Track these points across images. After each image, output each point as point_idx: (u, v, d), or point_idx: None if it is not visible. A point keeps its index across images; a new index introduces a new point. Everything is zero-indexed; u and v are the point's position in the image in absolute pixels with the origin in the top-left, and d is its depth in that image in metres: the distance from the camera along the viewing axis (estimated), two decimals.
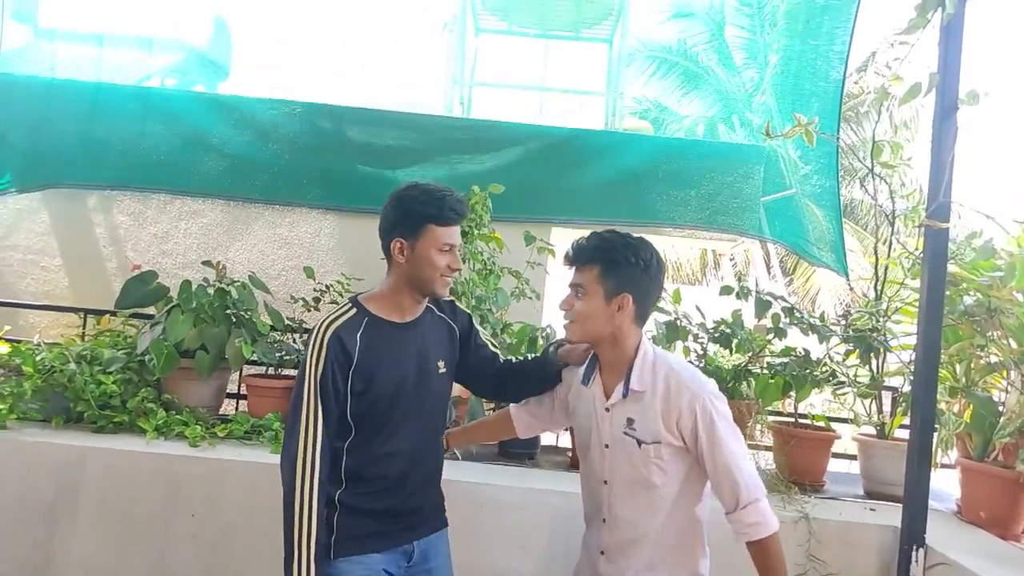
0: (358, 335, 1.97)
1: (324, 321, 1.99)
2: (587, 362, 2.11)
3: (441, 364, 2.13)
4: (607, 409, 2.01)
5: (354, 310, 2.02)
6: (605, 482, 2.02)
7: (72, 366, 3.23)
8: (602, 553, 2.04)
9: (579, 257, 1.99)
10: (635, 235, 2.00)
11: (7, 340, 3.57)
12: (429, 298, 2.12)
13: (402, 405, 2.01)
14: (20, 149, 4.64)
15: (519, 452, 3.33)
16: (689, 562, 2.00)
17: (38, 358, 3.27)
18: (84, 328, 3.99)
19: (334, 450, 1.97)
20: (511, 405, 2.38)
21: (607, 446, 2.01)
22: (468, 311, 2.32)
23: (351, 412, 1.97)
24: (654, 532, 1.96)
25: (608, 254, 1.95)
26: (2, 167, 4.62)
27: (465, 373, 2.28)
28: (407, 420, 2.03)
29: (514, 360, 2.36)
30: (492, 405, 3.40)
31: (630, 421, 1.96)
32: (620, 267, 1.93)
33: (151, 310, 3.87)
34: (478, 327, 2.31)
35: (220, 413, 3.56)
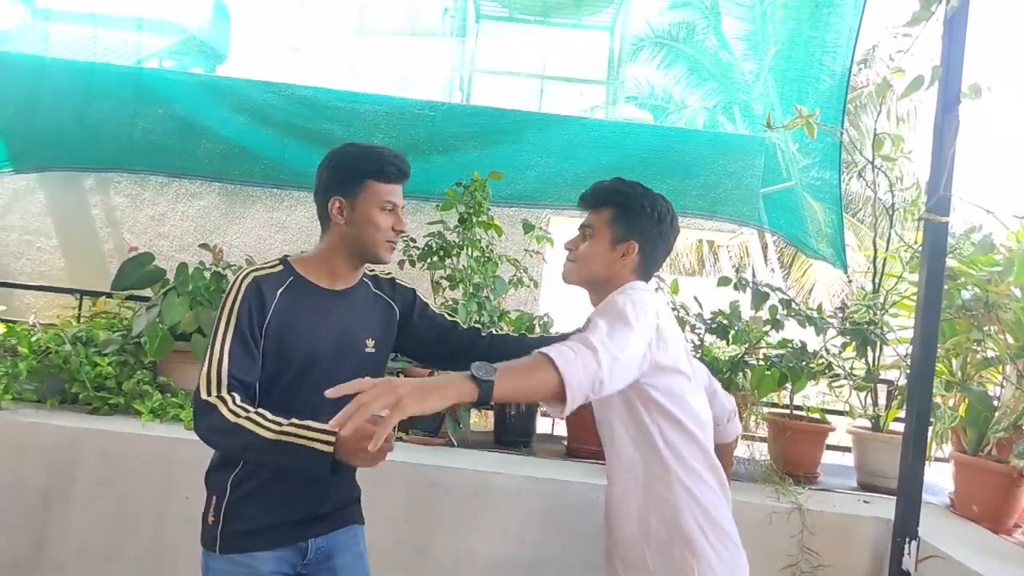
0: (278, 291, 1.84)
1: (246, 269, 1.86)
2: None
3: (370, 342, 1.97)
4: None
5: (280, 267, 1.91)
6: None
7: (67, 347, 3.22)
8: (605, 517, 1.97)
9: (595, 198, 1.95)
10: (654, 191, 1.96)
11: (2, 320, 3.57)
12: (369, 265, 2.00)
13: (313, 377, 1.82)
14: (16, 129, 4.61)
15: (514, 440, 3.33)
16: (678, 528, 1.81)
17: (33, 339, 3.26)
18: (80, 309, 3.98)
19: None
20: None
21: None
22: (411, 286, 2.15)
23: (263, 370, 1.82)
24: (635, 487, 1.83)
25: (624, 198, 1.92)
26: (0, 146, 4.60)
27: (420, 347, 2.14)
28: (316, 395, 1.73)
29: (517, 335, 2.23)
30: None
31: None
32: (633, 213, 1.90)
33: (147, 292, 3.86)
34: (424, 300, 2.16)
35: None
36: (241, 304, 1.80)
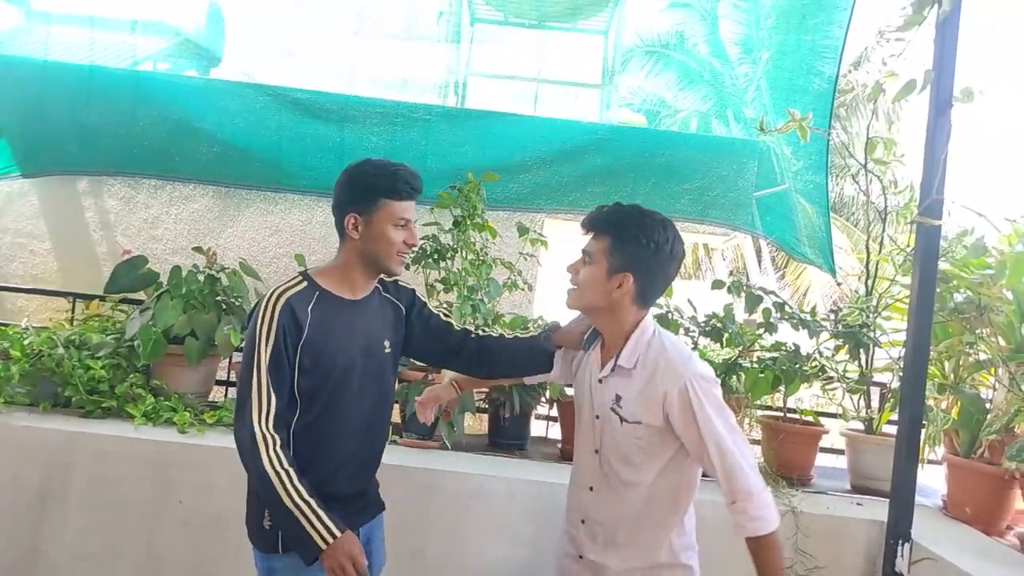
0: (309, 308, 1.93)
1: (274, 291, 1.94)
2: (591, 329, 2.09)
3: (387, 343, 2.10)
4: (600, 380, 1.99)
5: (305, 283, 1.99)
6: (596, 451, 1.99)
7: (60, 350, 3.21)
8: (583, 521, 2.02)
9: (594, 225, 1.95)
10: (657, 215, 1.93)
11: None
12: (381, 275, 2.10)
13: (351, 383, 1.98)
14: (20, 133, 4.60)
15: (509, 443, 3.33)
16: (671, 553, 1.96)
17: (26, 342, 3.25)
18: (73, 312, 3.97)
19: (287, 427, 1.93)
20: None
21: (597, 417, 1.99)
22: (411, 287, 2.26)
23: (298, 388, 1.92)
24: (635, 511, 1.94)
25: (620, 228, 1.90)
26: (2, 149, 4.59)
27: (416, 344, 2.23)
28: (355, 399, 2.00)
29: (497, 335, 2.30)
30: (483, 394, 3.40)
31: (618, 397, 1.93)
32: (628, 244, 1.88)
33: (141, 295, 3.85)
34: (424, 300, 2.26)
35: (209, 400, 3.55)
36: (278, 329, 1.89)
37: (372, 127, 4.64)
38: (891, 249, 3.42)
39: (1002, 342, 3.05)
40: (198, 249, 3.78)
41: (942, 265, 2.96)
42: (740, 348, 3.34)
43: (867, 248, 3.58)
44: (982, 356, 3.16)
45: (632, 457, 1.91)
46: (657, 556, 1.94)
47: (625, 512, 1.95)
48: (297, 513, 1.80)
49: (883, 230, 3.45)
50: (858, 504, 2.98)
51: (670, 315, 3.33)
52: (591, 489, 2.00)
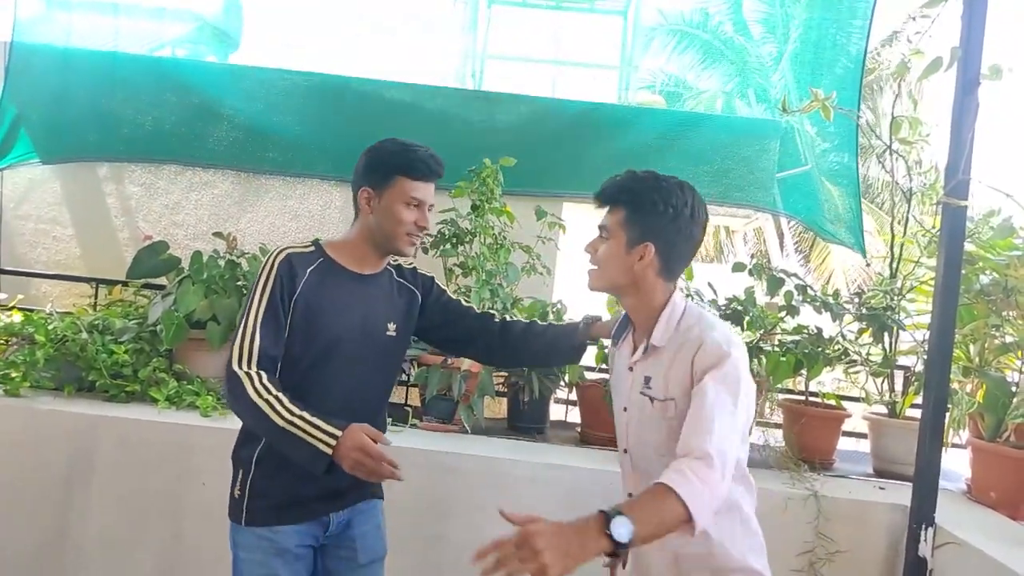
0: (309, 269, 1.94)
1: (280, 247, 1.97)
2: (619, 321, 1.97)
3: (392, 326, 2.05)
4: (630, 368, 1.85)
5: (312, 248, 2.01)
6: (625, 451, 1.89)
7: (84, 335, 3.24)
8: None
9: (606, 197, 1.83)
10: (674, 179, 1.80)
11: (20, 309, 3.59)
12: (398, 260, 2.09)
13: (339, 357, 1.94)
14: (41, 120, 4.64)
15: (528, 427, 3.33)
16: (718, 554, 1.76)
17: (50, 327, 3.29)
18: (96, 298, 4.01)
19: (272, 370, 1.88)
20: None
21: (625, 409, 1.87)
22: (430, 275, 2.23)
23: (288, 346, 1.91)
24: None
25: (634, 196, 1.77)
26: (22, 136, 4.63)
27: (433, 330, 2.21)
28: (341, 374, 1.95)
29: (527, 321, 2.26)
30: (502, 378, 3.40)
31: (647, 380, 1.79)
32: (645, 213, 1.75)
33: (162, 280, 3.88)
34: (443, 287, 2.24)
35: None
36: (275, 279, 1.90)
37: (391, 110, 4.62)
38: (916, 231, 3.36)
39: None
40: (218, 234, 3.80)
41: (968, 246, 2.90)
42: (761, 331, 3.31)
43: (891, 230, 3.53)
44: (1008, 339, 3.11)
45: (667, 443, 1.70)
46: (712, 560, 1.76)
47: None
48: (294, 430, 1.75)
49: (908, 211, 3.40)
50: (881, 488, 2.96)
51: (691, 298, 3.30)
52: (630, 495, 1.86)
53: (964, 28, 2.49)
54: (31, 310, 3.57)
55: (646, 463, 1.81)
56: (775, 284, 3.26)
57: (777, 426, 3.40)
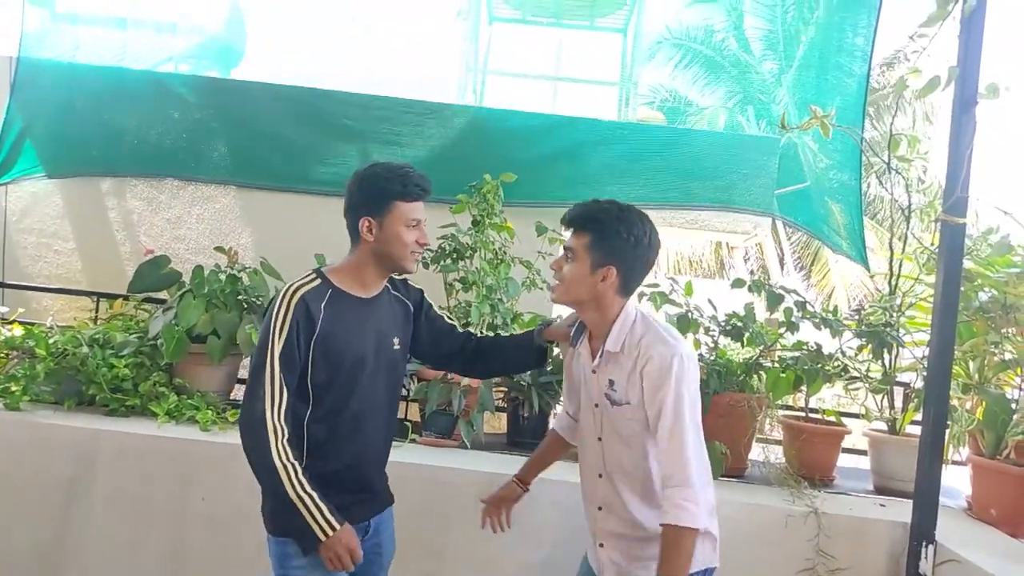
0: (323, 304, 2.01)
1: (290, 286, 2.02)
2: (576, 324, 2.19)
3: (396, 341, 2.17)
4: (593, 371, 2.06)
5: (319, 280, 2.06)
6: (599, 439, 2.08)
7: (85, 349, 3.25)
8: (600, 508, 2.10)
9: (574, 222, 2.02)
10: (634, 209, 2.02)
11: (21, 323, 3.60)
12: (394, 274, 2.18)
13: (361, 379, 2.05)
14: (47, 134, 4.67)
15: (528, 442, 3.32)
16: None
17: (51, 341, 3.29)
18: (97, 312, 4.02)
19: (296, 420, 2.00)
20: (553, 425, 2.45)
21: (596, 406, 2.07)
22: (419, 287, 2.34)
23: (311, 382, 2.00)
24: (646, 479, 2.01)
25: (600, 225, 1.98)
26: (27, 150, 4.66)
27: (420, 345, 2.31)
28: (365, 395, 2.07)
29: (493, 335, 2.40)
30: (502, 393, 3.40)
31: (611, 383, 2.01)
32: (609, 239, 1.96)
33: (163, 295, 3.89)
34: (430, 301, 2.34)
35: (231, 398, 3.58)
36: (292, 322, 1.96)
37: (391, 126, 4.66)
38: (915, 248, 3.37)
39: None
40: (220, 249, 3.81)
41: (967, 264, 2.91)
42: (761, 348, 3.32)
43: (890, 246, 3.54)
44: (1007, 355, 3.11)
45: (630, 439, 2.00)
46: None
47: (633, 494, 2.03)
48: (300, 505, 1.89)
49: (907, 228, 3.41)
50: (881, 505, 2.95)
51: (690, 314, 3.30)
52: (600, 476, 2.09)
53: (961, 48, 2.51)
54: (32, 324, 3.57)
55: (617, 448, 2.05)
56: (775, 300, 3.26)
57: (777, 442, 3.39)
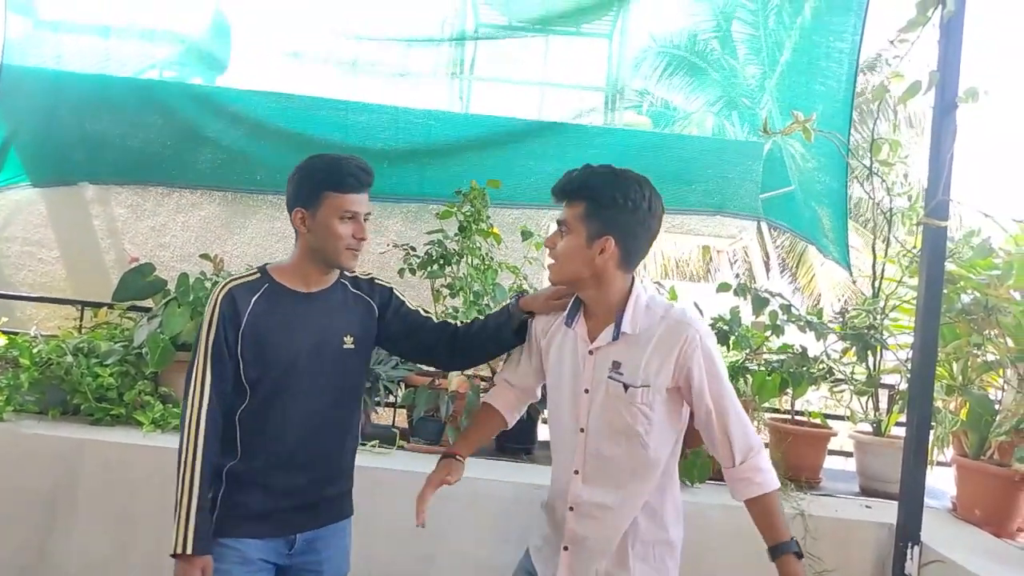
0: (253, 298, 1.96)
1: (224, 282, 1.99)
2: (571, 303, 1.98)
3: (349, 339, 2.06)
4: (591, 352, 1.89)
5: (257, 275, 2.02)
6: (582, 430, 1.90)
7: (69, 358, 3.22)
8: (571, 509, 1.91)
9: (565, 192, 1.87)
10: (631, 172, 1.87)
11: (4, 332, 3.57)
12: (338, 270, 2.08)
13: (296, 377, 1.97)
14: (30, 142, 4.63)
15: (516, 448, 3.33)
16: (662, 528, 1.90)
17: (35, 350, 3.27)
18: (81, 320, 3.99)
19: (229, 416, 1.95)
20: (488, 396, 2.19)
21: (587, 391, 1.89)
22: (389, 285, 2.22)
23: (245, 376, 1.94)
24: (632, 486, 1.86)
25: (594, 192, 1.83)
26: (12, 159, 4.62)
27: (397, 343, 2.22)
28: (300, 394, 1.98)
29: (470, 321, 2.28)
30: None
31: (616, 364, 1.85)
32: (605, 207, 1.81)
33: (148, 303, 3.86)
34: (402, 298, 2.22)
35: None
36: (218, 317, 1.93)
37: (376, 132, 4.66)
38: (898, 251, 3.40)
39: (1010, 343, 3.04)
40: (205, 256, 3.79)
41: (949, 266, 2.94)
42: (747, 351, 3.33)
43: (873, 249, 3.57)
44: (990, 357, 3.14)
45: (635, 426, 1.83)
46: (650, 534, 1.90)
47: (611, 497, 1.88)
48: (179, 505, 1.87)
49: (889, 231, 3.44)
50: (867, 507, 2.97)
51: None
52: (576, 473, 1.91)
53: (941, 52, 2.54)
54: (15, 333, 3.54)
55: (602, 441, 1.88)
56: (760, 304, 3.28)
57: (764, 445, 3.40)
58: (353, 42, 5.39)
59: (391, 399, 3.45)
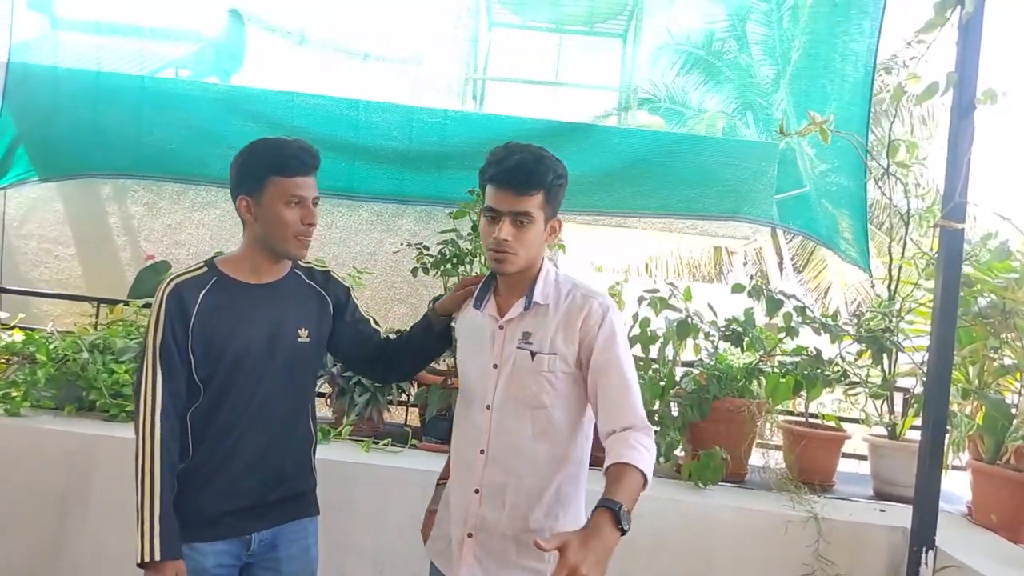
0: (201, 293, 1.90)
1: (170, 278, 1.93)
2: (480, 286, 2.01)
3: (303, 332, 2.01)
4: (500, 327, 1.92)
5: (204, 269, 1.96)
6: (488, 407, 1.89)
7: (85, 355, 3.25)
8: (476, 491, 1.89)
9: (528, 184, 1.82)
10: (544, 149, 1.89)
11: (21, 328, 3.60)
12: (289, 259, 2.03)
13: (248, 370, 1.92)
14: (41, 139, 4.66)
15: None
16: (577, 517, 1.89)
17: (51, 346, 3.30)
18: (97, 317, 4.02)
19: (182, 415, 1.89)
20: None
21: (495, 366, 1.90)
22: (346, 284, 2.19)
23: (196, 374, 1.89)
24: (537, 464, 1.86)
25: (547, 178, 1.84)
26: (20, 156, 4.65)
27: (340, 348, 2.19)
28: (253, 387, 1.93)
29: (393, 337, 2.29)
30: None
31: (526, 335, 1.88)
32: (556, 190, 1.88)
33: None
34: (357, 302, 2.20)
35: None
36: (165, 315, 1.87)
37: (390, 131, 4.66)
38: (914, 253, 3.38)
39: None
40: (220, 254, 3.80)
41: (966, 269, 2.92)
42: (761, 352, 3.32)
43: (889, 251, 3.55)
44: (1007, 361, 3.12)
45: (541, 396, 1.85)
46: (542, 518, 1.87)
47: (518, 478, 1.86)
48: (142, 511, 1.80)
49: (906, 233, 3.42)
50: (881, 510, 2.95)
51: (690, 319, 3.31)
52: (482, 452, 1.89)
53: (959, 54, 2.52)
54: (32, 329, 3.57)
55: (507, 417, 1.88)
56: (774, 305, 3.27)
57: (777, 448, 3.39)
58: (366, 41, 5.40)
59: (403, 397, 3.46)
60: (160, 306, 1.87)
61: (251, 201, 1.93)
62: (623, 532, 1.55)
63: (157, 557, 1.78)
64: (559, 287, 1.92)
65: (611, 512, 1.54)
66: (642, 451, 1.69)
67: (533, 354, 1.86)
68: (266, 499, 1.99)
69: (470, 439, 1.94)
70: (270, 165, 1.91)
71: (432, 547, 2.06)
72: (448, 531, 1.98)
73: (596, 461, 1.85)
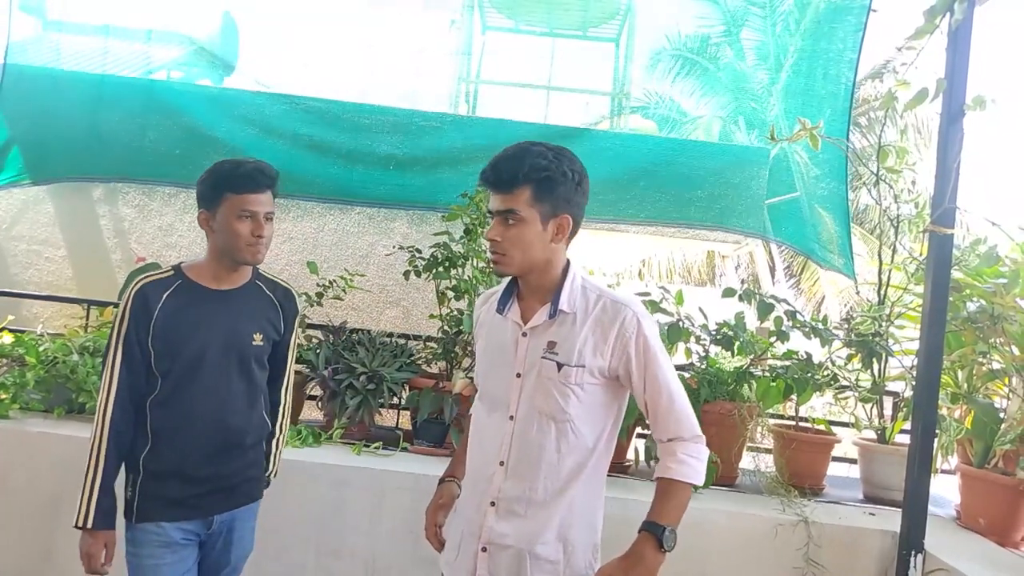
0: (165, 294, 2.08)
1: (137, 279, 2.12)
2: (503, 290, 1.93)
3: (258, 336, 2.20)
4: (524, 334, 1.85)
5: (171, 272, 2.15)
6: (511, 417, 1.83)
7: (75, 357, 3.23)
8: (492, 504, 1.82)
9: (508, 180, 1.75)
10: (555, 146, 1.81)
11: (10, 330, 3.58)
12: (246, 266, 2.20)
13: (205, 369, 2.09)
14: (33, 141, 4.64)
15: None
16: (592, 530, 1.86)
17: (41, 349, 3.28)
18: (87, 319, 4.00)
19: (140, 405, 2.08)
20: (473, 408, 2.03)
21: (518, 375, 1.83)
22: (301, 311, 2.42)
23: (156, 366, 2.07)
24: (559, 477, 1.79)
25: (543, 171, 1.74)
26: (13, 159, 4.63)
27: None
28: (209, 385, 2.10)
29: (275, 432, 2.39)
30: None
31: (551, 344, 1.80)
32: (556, 185, 1.75)
33: None
34: (296, 336, 2.40)
35: None
36: (129, 314, 2.06)
37: (383, 135, 4.65)
38: (904, 258, 3.40)
39: (1016, 351, 3.03)
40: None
41: (955, 274, 2.94)
42: (752, 356, 3.33)
43: (879, 256, 3.57)
44: (996, 365, 3.14)
45: (566, 408, 1.78)
46: (558, 568, 1.81)
47: (540, 483, 1.79)
48: (85, 482, 2.02)
49: (895, 238, 3.44)
50: (871, 514, 2.96)
51: (681, 323, 3.32)
52: (501, 464, 1.82)
53: (948, 60, 2.54)
54: (22, 331, 3.55)
55: (530, 428, 1.81)
56: (765, 309, 3.28)
57: (767, 451, 3.41)
58: (361, 42, 5.40)
59: (395, 401, 3.46)
60: (126, 304, 2.07)
61: (209, 215, 2.13)
62: (663, 547, 1.68)
63: (90, 525, 2.01)
64: (586, 294, 1.84)
65: (654, 537, 1.67)
66: (687, 461, 1.77)
67: (560, 365, 1.79)
68: (223, 485, 2.16)
69: (490, 450, 1.86)
70: (226, 183, 2.10)
71: (444, 558, 1.98)
72: (457, 542, 1.91)
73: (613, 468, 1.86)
